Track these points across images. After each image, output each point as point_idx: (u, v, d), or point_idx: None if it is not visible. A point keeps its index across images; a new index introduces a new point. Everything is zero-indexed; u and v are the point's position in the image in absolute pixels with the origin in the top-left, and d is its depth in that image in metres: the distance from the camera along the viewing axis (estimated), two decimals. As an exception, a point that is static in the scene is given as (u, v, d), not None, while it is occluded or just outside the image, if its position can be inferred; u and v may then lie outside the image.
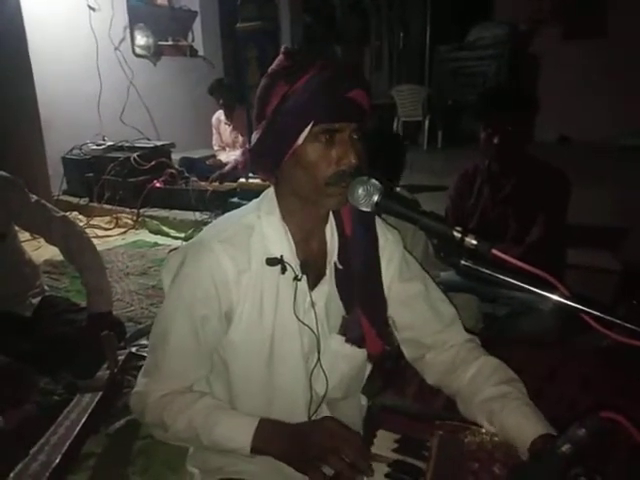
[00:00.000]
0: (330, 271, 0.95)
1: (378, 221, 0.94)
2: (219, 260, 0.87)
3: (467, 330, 1.05)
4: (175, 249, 1.01)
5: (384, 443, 0.96)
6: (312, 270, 0.93)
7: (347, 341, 0.95)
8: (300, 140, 0.82)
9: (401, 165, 1.90)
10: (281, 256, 0.90)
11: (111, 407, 1.76)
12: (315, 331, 0.92)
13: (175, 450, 0.97)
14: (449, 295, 1.08)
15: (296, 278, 0.90)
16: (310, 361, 0.94)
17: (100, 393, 1.58)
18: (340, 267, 0.94)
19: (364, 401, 1.13)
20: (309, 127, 0.81)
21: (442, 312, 1.02)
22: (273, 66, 0.86)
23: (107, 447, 1.65)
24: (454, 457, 0.87)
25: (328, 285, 0.95)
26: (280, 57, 0.86)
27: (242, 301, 0.89)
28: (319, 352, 0.93)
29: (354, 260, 0.94)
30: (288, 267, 0.90)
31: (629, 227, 2.22)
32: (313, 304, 0.93)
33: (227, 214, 0.98)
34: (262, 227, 0.91)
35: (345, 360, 0.97)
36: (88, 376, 1.71)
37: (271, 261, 0.89)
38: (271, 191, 0.94)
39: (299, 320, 0.91)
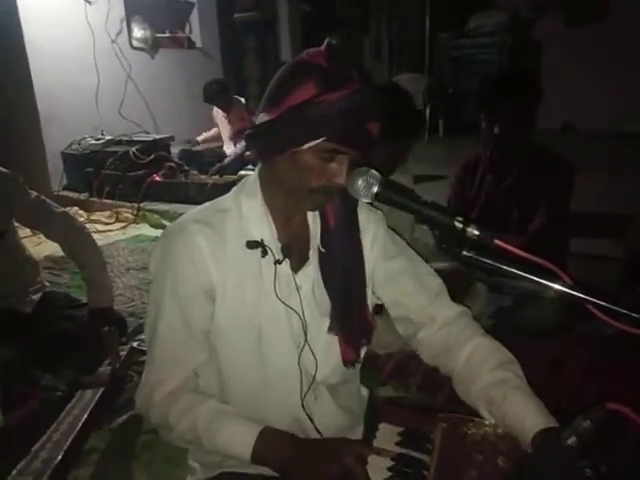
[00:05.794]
0: (314, 255, 0.95)
1: (360, 202, 0.94)
2: (194, 239, 0.88)
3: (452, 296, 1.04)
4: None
5: (387, 437, 0.95)
6: (295, 253, 0.93)
7: (329, 332, 0.95)
8: (304, 147, 0.82)
9: (415, 125, 1.79)
10: (261, 239, 0.90)
11: (114, 403, 1.75)
12: (301, 314, 0.92)
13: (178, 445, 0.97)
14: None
15: (277, 261, 0.91)
16: (302, 344, 0.94)
17: (102, 389, 1.57)
18: (323, 251, 0.94)
19: (364, 392, 1.13)
20: (319, 141, 0.81)
21: (428, 285, 1.01)
22: (310, 56, 0.84)
23: (110, 442, 1.66)
24: (458, 450, 0.86)
25: (313, 268, 0.95)
26: (322, 50, 0.83)
27: (222, 281, 0.90)
28: (306, 334, 0.93)
29: (336, 250, 0.94)
30: (268, 250, 0.90)
31: (634, 214, 2.20)
32: (298, 287, 0.93)
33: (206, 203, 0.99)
34: (241, 210, 0.92)
35: (338, 344, 0.97)
36: (90, 372, 1.71)
37: (251, 244, 0.90)
38: (254, 175, 0.95)
39: (283, 303, 0.91)
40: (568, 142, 4.18)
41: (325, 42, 0.85)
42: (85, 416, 1.40)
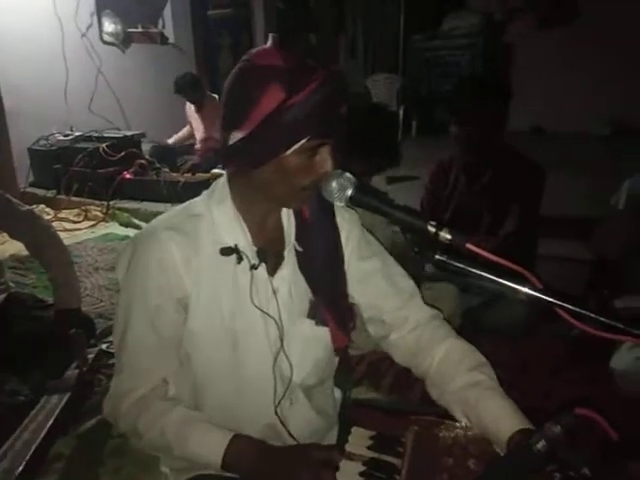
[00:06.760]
0: (289, 255, 0.94)
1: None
2: (166, 247, 0.86)
3: (427, 304, 1.04)
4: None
5: (359, 440, 0.95)
6: (270, 256, 0.92)
7: (317, 324, 0.95)
8: (289, 152, 0.80)
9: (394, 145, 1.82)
10: (235, 245, 0.88)
11: (81, 408, 1.71)
12: (277, 318, 0.91)
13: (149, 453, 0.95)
14: (429, 285, 1.08)
15: (253, 266, 0.89)
16: (277, 350, 0.93)
17: (68, 394, 1.53)
18: (300, 249, 0.94)
19: (338, 394, 1.12)
20: (303, 142, 0.79)
21: (401, 287, 1.01)
22: (262, 58, 0.80)
23: (77, 448, 1.61)
24: (429, 453, 0.86)
25: (288, 269, 0.94)
26: (272, 50, 0.80)
27: (195, 288, 0.88)
28: (282, 339, 0.92)
29: (315, 244, 0.94)
30: (244, 256, 0.88)
31: (601, 217, 2.26)
32: (274, 291, 0.92)
33: (177, 206, 0.96)
34: (213, 216, 0.90)
35: (317, 343, 0.97)
36: (57, 376, 1.66)
37: (226, 251, 0.88)
38: (223, 180, 0.92)
39: (259, 309, 0.89)
40: (537, 144, 4.27)
41: (270, 39, 0.83)
42: (50, 423, 1.36)
